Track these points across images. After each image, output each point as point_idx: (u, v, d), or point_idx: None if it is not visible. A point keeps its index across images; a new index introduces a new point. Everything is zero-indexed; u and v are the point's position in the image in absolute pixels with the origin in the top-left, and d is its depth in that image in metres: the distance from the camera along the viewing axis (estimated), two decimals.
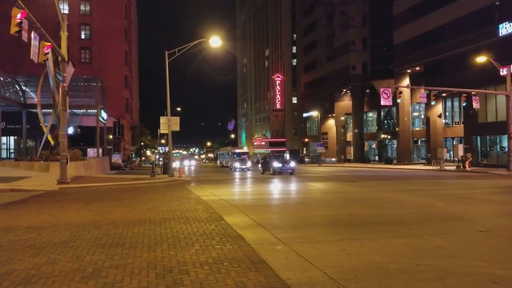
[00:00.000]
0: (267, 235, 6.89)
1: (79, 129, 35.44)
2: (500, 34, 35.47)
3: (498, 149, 37.67)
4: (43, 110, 29.06)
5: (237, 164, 40.54)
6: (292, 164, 30.92)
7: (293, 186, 19.21)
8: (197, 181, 23.79)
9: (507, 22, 34.89)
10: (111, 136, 45.26)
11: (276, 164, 30.06)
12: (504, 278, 4.52)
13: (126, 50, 55.12)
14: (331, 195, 14.79)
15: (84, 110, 39.02)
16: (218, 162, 68.37)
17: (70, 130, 30.02)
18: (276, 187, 18.85)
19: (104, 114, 38.27)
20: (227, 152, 62.35)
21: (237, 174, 32.44)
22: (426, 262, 5.16)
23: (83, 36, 51.82)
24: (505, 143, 34.44)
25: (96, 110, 35.62)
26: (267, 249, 5.79)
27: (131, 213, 9.57)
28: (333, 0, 68.36)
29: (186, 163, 75.79)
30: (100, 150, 37.44)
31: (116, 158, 43.19)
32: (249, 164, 42.58)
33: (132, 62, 64.05)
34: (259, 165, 35.26)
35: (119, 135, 47.69)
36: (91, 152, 38.05)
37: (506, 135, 30.94)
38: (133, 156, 68.48)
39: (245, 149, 70.25)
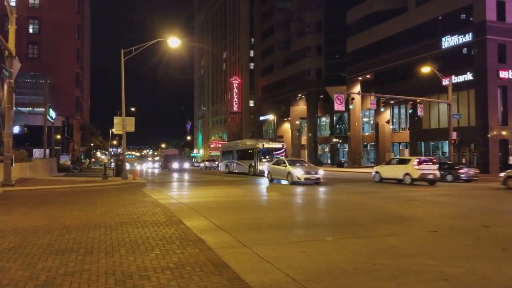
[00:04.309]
0: (228, 238, 6.89)
1: (26, 128, 33.44)
2: (443, 47, 37.99)
3: (440, 154, 40.18)
4: None
5: (298, 172, 20.55)
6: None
7: (250, 188, 19.29)
8: (153, 183, 23.25)
9: (449, 36, 37.43)
10: (59, 136, 43.10)
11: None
12: (453, 275, 4.84)
13: (78, 47, 52.80)
14: (289, 197, 15.04)
15: (30, 108, 36.87)
16: (221, 166, 41.89)
17: (16, 129, 28.26)
18: (232, 189, 18.83)
19: (52, 113, 36.39)
20: (246, 148, 34.92)
21: (195, 177, 31.80)
22: (382, 261, 5.40)
23: (31, 31, 48.98)
24: (446, 149, 36.80)
25: (44, 109, 33.79)
26: (229, 252, 5.78)
27: (85, 217, 9.17)
28: (291, 7, 69.87)
29: (175, 167, 51.23)
30: (47, 151, 35.53)
31: (65, 160, 41.22)
32: (321, 171, 21.71)
33: (84, 60, 61.48)
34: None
35: (68, 136, 45.59)
36: (37, 152, 36.01)
37: (447, 141, 33.06)
38: (82, 157, 65.57)
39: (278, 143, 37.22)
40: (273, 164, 23.78)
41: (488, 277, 4.78)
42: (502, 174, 20.57)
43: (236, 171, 35.92)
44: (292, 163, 22.49)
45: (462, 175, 24.10)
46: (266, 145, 32.80)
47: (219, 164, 44.46)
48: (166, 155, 60.09)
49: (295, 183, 20.38)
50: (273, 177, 23.10)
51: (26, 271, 4.85)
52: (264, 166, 29.39)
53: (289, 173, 20.90)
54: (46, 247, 6.10)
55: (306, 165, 23.17)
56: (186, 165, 53.82)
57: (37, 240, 6.60)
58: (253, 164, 32.17)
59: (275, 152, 32.10)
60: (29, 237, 6.80)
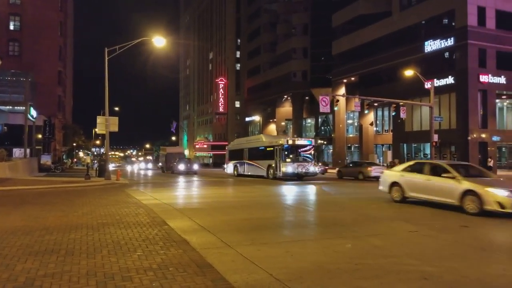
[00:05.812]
0: (213, 239, 6.86)
1: (5, 127, 32.69)
2: (426, 51, 38.70)
3: (422, 156, 40.83)
4: None
5: (499, 192, 9.85)
6: None
7: (236, 189, 19.26)
8: (136, 184, 22.99)
9: (431, 40, 38.15)
10: (40, 136, 42.25)
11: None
12: (433, 274, 4.93)
13: (60, 45, 51.86)
14: (274, 198, 15.07)
15: (10, 107, 36.08)
16: (228, 167, 35.35)
17: None
18: (218, 190, 18.78)
19: (33, 112, 35.66)
20: (264, 145, 29.37)
21: (182, 177, 31.59)
22: (365, 261, 5.47)
23: (12, 27, 47.96)
24: (428, 151, 37.40)
25: (24, 107, 33.05)
26: (213, 253, 5.77)
27: (66, 218, 9.01)
28: (277, 9, 70.16)
29: (182, 169, 38.77)
30: (28, 151, 34.75)
31: (46, 159, 40.32)
32: None
33: (67, 58, 60.47)
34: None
35: (50, 135, 44.70)
36: (17, 152, 35.22)
37: (429, 143, 33.63)
38: (64, 157, 64.40)
39: (305, 139, 33.09)
40: (408, 171, 12.91)
41: (468, 276, 4.89)
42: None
43: (249, 173, 30.14)
44: (462, 171, 11.62)
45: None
46: (290, 141, 26.61)
47: (225, 165, 36.82)
48: (168, 154, 47.16)
49: (487, 213, 9.97)
50: (410, 195, 12.41)
51: (5, 272, 4.74)
52: (288, 167, 25.18)
53: (468, 192, 10.42)
54: (26, 248, 5.97)
55: (487, 174, 12.30)
56: (195, 167, 41.22)
57: (16, 241, 6.46)
58: (273, 165, 26.63)
59: (301, 150, 26.51)
60: (8, 238, 6.65)
